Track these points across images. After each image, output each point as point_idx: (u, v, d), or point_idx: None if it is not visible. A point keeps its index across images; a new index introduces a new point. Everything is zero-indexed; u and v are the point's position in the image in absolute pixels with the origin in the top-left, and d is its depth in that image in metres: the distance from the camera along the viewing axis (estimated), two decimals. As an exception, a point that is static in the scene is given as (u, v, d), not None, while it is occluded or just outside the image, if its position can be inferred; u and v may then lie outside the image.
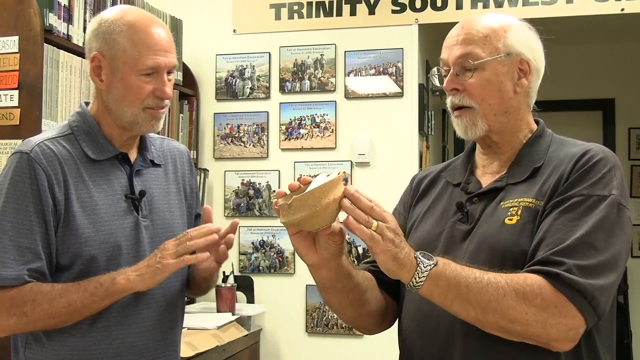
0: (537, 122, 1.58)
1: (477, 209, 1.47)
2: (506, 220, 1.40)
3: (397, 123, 3.50)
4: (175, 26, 3.45)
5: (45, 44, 2.40)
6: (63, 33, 2.53)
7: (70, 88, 2.55)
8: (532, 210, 1.39)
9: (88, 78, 2.63)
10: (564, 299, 1.27)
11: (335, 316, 3.48)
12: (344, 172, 1.28)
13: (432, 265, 1.29)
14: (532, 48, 1.52)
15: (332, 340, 3.50)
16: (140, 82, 1.66)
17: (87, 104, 1.77)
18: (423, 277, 1.28)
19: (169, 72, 1.70)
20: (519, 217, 1.39)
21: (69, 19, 2.56)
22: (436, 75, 1.56)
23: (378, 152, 3.52)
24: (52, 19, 2.45)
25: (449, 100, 1.53)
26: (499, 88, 1.48)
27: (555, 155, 1.47)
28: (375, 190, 3.52)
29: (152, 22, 1.71)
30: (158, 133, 1.84)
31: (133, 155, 1.76)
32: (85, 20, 2.66)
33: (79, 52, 2.62)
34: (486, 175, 1.54)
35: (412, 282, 1.29)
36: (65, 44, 2.55)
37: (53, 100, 2.45)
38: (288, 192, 1.34)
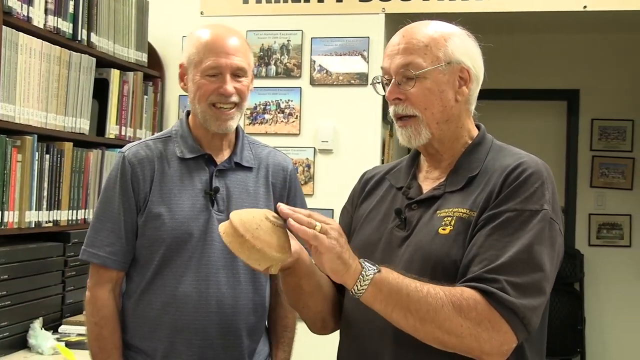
0: (478, 127, 1.60)
1: (415, 216, 1.51)
2: (440, 230, 1.43)
3: (361, 111, 3.53)
4: (141, 7, 3.43)
5: (4, 26, 2.37)
6: (23, 15, 2.51)
7: (29, 71, 2.53)
8: (465, 221, 1.43)
9: (49, 60, 2.63)
10: (498, 316, 1.31)
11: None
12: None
13: (376, 271, 1.33)
14: (471, 56, 1.53)
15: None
16: (205, 81, 1.88)
17: (188, 113, 2.01)
18: (367, 281, 1.32)
19: (237, 76, 1.89)
20: (452, 228, 1.43)
21: (29, 1, 2.53)
22: (379, 84, 1.58)
23: (341, 140, 3.56)
24: (12, 1, 2.42)
25: (391, 110, 1.54)
26: (440, 97, 1.50)
27: (491, 165, 1.49)
28: (338, 177, 3.58)
29: (218, 31, 1.93)
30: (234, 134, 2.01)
31: (222, 158, 1.96)
32: (46, 2, 2.63)
33: (39, 34, 2.60)
34: (427, 180, 1.58)
35: (356, 287, 1.32)
36: (25, 26, 2.52)
37: (11, 84, 2.44)
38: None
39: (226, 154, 1.96)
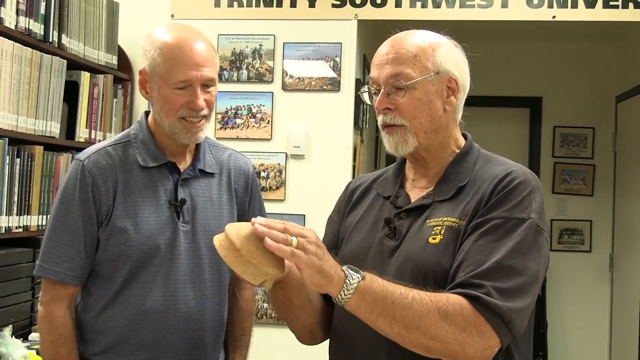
0: (465, 136, 1.61)
1: (404, 225, 1.51)
2: (430, 239, 1.44)
3: (333, 116, 3.54)
4: (112, 9, 3.38)
5: (-25, 27, 2.32)
6: (-6, 16, 2.45)
7: (0, 73, 2.47)
8: (455, 229, 1.44)
9: (20, 62, 2.57)
10: (483, 320, 1.33)
11: (266, 306, 3.52)
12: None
13: (360, 279, 1.33)
14: (459, 66, 1.55)
15: (261, 330, 3.53)
16: (175, 95, 1.78)
17: (147, 113, 1.89)
18: (351, 289, 1.31)
19: (207, 86, 1.80)
20: (442, 237, 1.44)
21: (0, 1, 2.47)
22: (366, 93, 1.58)
23: (313, 145, 3.56)
24: (-17, 2, 2.37)
25: (380, 119, 1.54)
26: (429, 107, 1.51)
27: (480, 174, 1.51)
28: (310, 182, 3.59)
29: (184, 36, 1.81)
30: (196, 145, 1.91)
31: (184, 164, 1.88)
32: (18, 2, 2.58)
33: (10, 35, 2.54)
34: (415, 189, 1.58)
35: (340, 296, 1.32)
36: (-4, 27, 2.47)
37: (-18, 86, 2.38)
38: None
39: (188, 159, 1.89)
